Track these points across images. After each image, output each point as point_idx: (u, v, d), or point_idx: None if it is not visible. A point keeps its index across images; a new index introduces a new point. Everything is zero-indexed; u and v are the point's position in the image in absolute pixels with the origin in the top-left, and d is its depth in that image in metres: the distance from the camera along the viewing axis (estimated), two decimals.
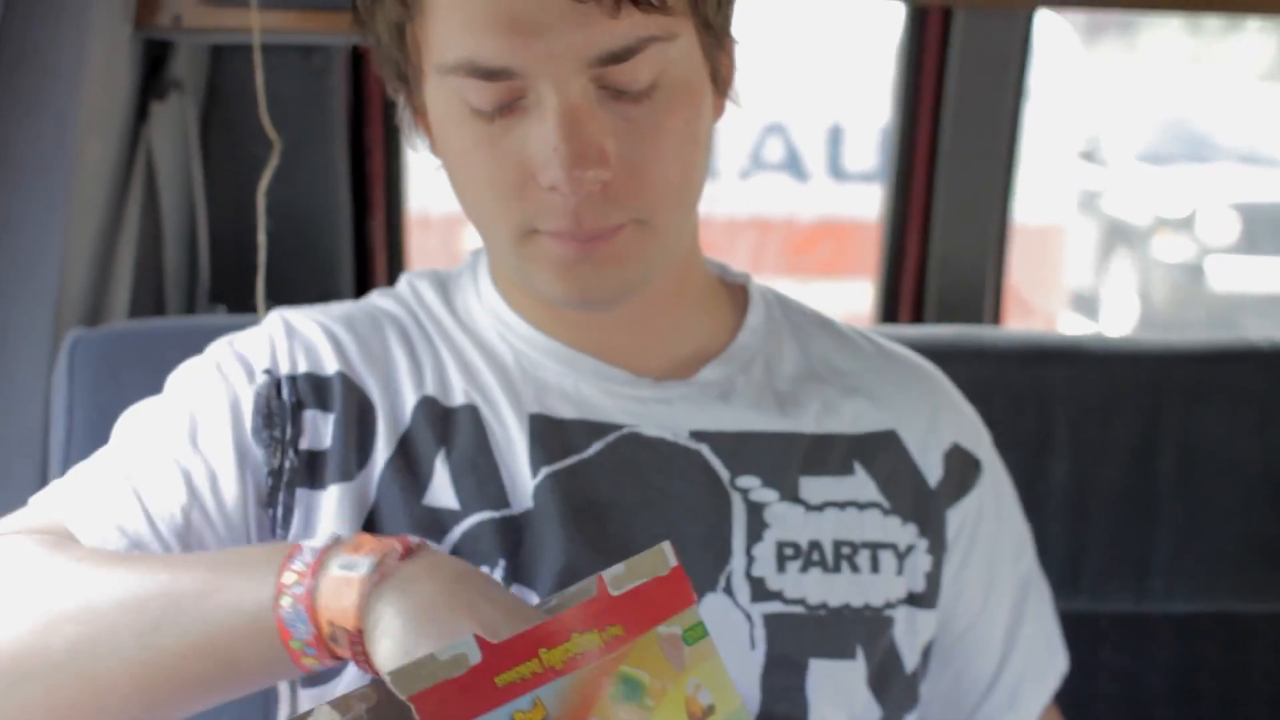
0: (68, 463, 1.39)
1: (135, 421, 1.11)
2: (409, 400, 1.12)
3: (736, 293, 1.22)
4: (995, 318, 2.19)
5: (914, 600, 1.16)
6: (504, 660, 0.76)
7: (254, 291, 1.60)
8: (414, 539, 0.90)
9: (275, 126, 1.54)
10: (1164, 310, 7.15)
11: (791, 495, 1.13)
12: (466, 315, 1.17)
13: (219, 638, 0.91)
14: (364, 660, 0.87)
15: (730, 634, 1.08)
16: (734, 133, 5.38)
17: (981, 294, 2.16)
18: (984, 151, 2.13)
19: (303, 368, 1.12)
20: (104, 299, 1.59)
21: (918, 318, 2.18)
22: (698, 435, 1.12)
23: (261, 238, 1.51)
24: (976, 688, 1.23)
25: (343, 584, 0.87)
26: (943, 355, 1.29)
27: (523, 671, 0.76)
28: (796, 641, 1.09)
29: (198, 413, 1.09)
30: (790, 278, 5.26)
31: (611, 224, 1.01)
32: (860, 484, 1.15)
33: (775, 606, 1.10)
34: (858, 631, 1.12)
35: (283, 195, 1.62)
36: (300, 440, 1.10)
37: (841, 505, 1.14)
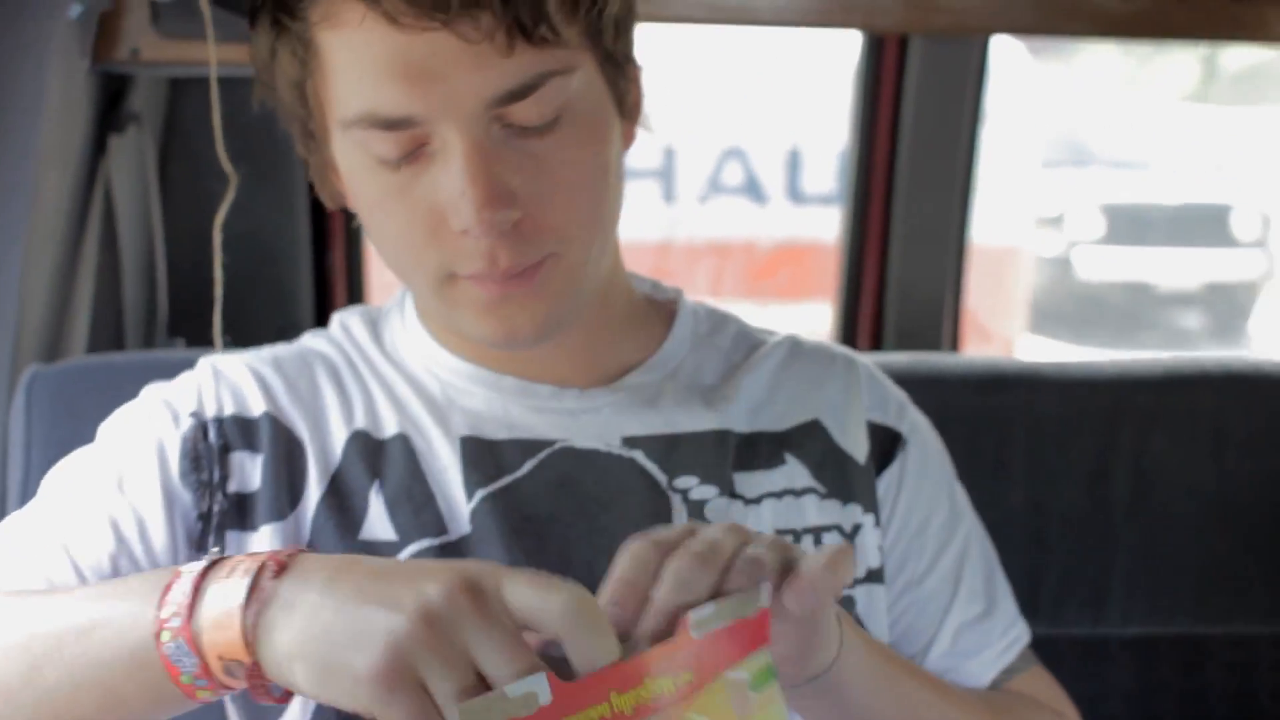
0: (25, 498, 1.39)
1: (64, 473, 1.12)
2: (339, 437, 1.12)
3: (666, 309, 1.24)
4: (953, 342, 2.20)
5: (872, 577, 1.17)
6: (574, 702, 0.74)
7: (196, 322, 1.60)
8: (285, 551, 0.85)
9: (234, 159, 1.54)
10: (1038, 294, 7.39)
11: (729, 491, 1.14)
12: (394, 350, 1.18)
13: (104, 675, 0.87)
14: (263, 691, 0.83)
15: None
16: (693, 157, 5.40)
17: (940, 318, 2.18)
18: (942, 176, 2.14)
19: (229, 410, 1.13)
20: (62, 333, 1.59)
21: (876, 342, 2.19)
22: (630, 441, 1.13)
23: (218, 271, 1.51)
24: (914, 650, 1.23)
25: (223, 618, 0.82)
26: (900, 381, 1.30)
27: (591, 715, 0.75)
28: None
29: (124, 460, 1.09)
30: (749, 301, 5.28)
31: (528, 261, 1.02)
32: (793, 472, 1.17)
33: None
34: None
35: (242, 227, 1.62)
36: (228, 483, 1.10)
37: (778, 495, 1.15)
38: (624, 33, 1.07)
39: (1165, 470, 1.63)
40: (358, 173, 1.03)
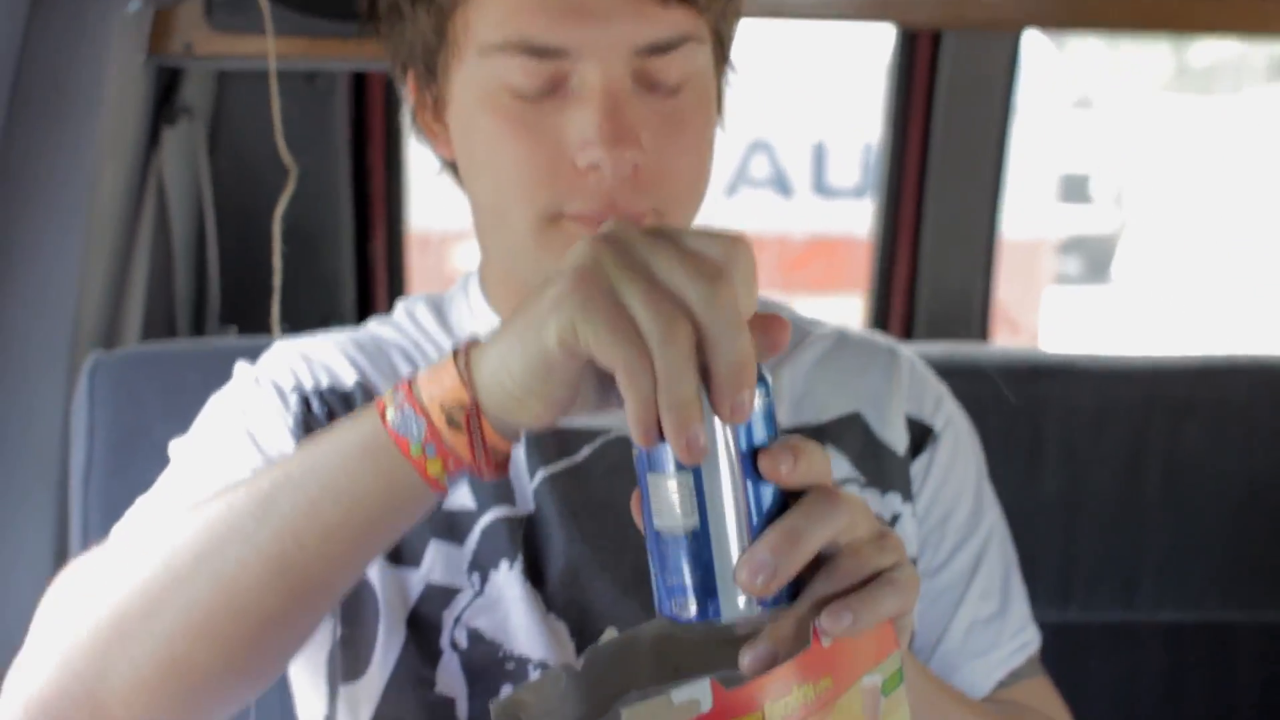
0: (88, 484, 1.42)
1: (191, 446, 1.12)
2: None
3: None
4: (983, 333, 2.23)
5: (913, 563, 1.19)
6: (730, 710, 0.75)
7: (262, 312, 1.63)
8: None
9: (287, 149, 1.58)
10: None
11: None
12: (462, 333, 1.21)
13: (338, 481, 0.87)
14: (485, 442, 0.84)
15: None
16: (720, 150, 5.42)
17: (970, 310, 2.20)
18: (972, 170, 2.16)
19: (325, 383, 1.16)
20: (118, 322, 1.63)
21: (908, 333, 2.22)
22: None
23: (277, 261, 1.55)
24: (924, 643, 1.25)
25: (436, 372, 0.84)
26: (938, 371, 1.32)
27: None
28: None
29: (252, 424, 1.11)
30: (782, 294, 5.31)
31: (638, 210, 1.04)
32: (834, 463, 1.19)
33: None
34: None
35: (286, 217, 1.65)
36: None
37: None
38: (735, 27, 1.13)
39: (1196, 461, 1.65)
40: (485, 102, 1.04)
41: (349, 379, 1.16)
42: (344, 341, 1.20)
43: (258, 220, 1.64)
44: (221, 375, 1.21)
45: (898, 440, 1.23)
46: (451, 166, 1.16)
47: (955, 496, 1.25)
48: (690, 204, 1.09)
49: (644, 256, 0.77)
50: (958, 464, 1.27)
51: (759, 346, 0.77)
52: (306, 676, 1.16)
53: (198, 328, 1.84)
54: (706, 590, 0.78)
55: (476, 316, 1.21)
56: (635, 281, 0.76)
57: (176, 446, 1.14)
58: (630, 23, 1.02)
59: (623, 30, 1.02)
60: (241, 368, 1.19)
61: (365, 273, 2.09)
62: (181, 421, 1.18)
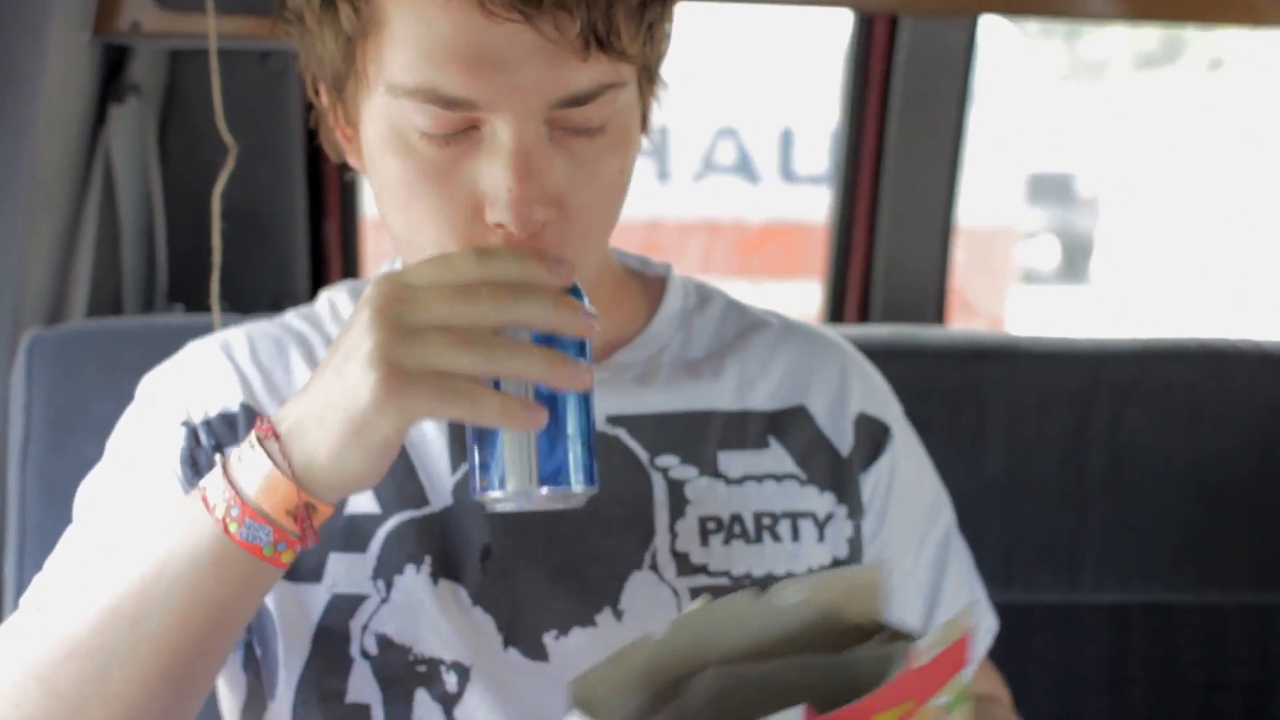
0: (25, 461, 1.42)
1: (91, 498, 1.15)
2: None
3: (654, 284, 1.26)
4: (939, 318, 2.23)
5: (838, 565, 1.20)
6: None
7: (198, 291, 1.62)
8: (260, 422, 0.96)
9: (232, 129, 1.57)
10: None
11: (711, 471, 1.17)
12: None
13: (200, 594, 0.95)
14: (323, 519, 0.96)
15: (659, 610, 1.13)
16: (687, 137, 5.42)
17: (926, 295, 2.21)
18: (930, 155, 2.17)
19: (213, 410, 1.15)
20: (62, 299, 1.62)
21: (864, 318, 2.22)
22: (615, 420, 1.16)
23: (216, 239, 1.54)
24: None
25: (266, 481, 0.93)
26: (883, 354, 1.33)
27: None
28: None
29: (146, 469, 1.13)
30: (739, 279, 5.31)
31: (547, 247, 1.02)
32: (776, 457, 1.19)
33: (701, 580, 1.14)
34: None
35: (239, 197, 1.64)
36: None
37: (760, 478, 1.18)
38: (665, 51, 1.09)
39: (1140, 443, 1.66)
40: (394, 140, 1.01)
41: (234, 401, 1.15)
42: (242, 346, 1.19)
43: (208, 199, 1.63)
44: (161, 352, 1.21)
45: (843, 440, 1.23)
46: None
47: (918, 489, 1.27)
48: (603, 245, 1.11)
49: (422, 317, 0.90)
50: (914, 456, 1.28)
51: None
52: (229, 711, 1.18)
53: (146, 306, 1.83)
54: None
55: None
56: (434, 346, 0.89)
57: (82, 495, 1.15)
58: (545, 75, 0.97)
59: (537, 84, 0.97)
60: (144, 387, 1.19)
61: (319, 254, 2.08)
62: (120, 398, 1.18)
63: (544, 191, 0.99)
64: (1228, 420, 1.67)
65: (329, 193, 2.08)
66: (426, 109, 0.98)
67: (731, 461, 1.18)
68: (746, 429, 1.19)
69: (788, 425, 1.21)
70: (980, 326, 5.60)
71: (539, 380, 0.91)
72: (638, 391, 1.17)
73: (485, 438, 0.94)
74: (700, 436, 1.17)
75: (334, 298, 1.24)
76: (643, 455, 1.16)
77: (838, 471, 1.21)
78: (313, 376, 0.95)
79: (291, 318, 1.23)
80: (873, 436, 1.24)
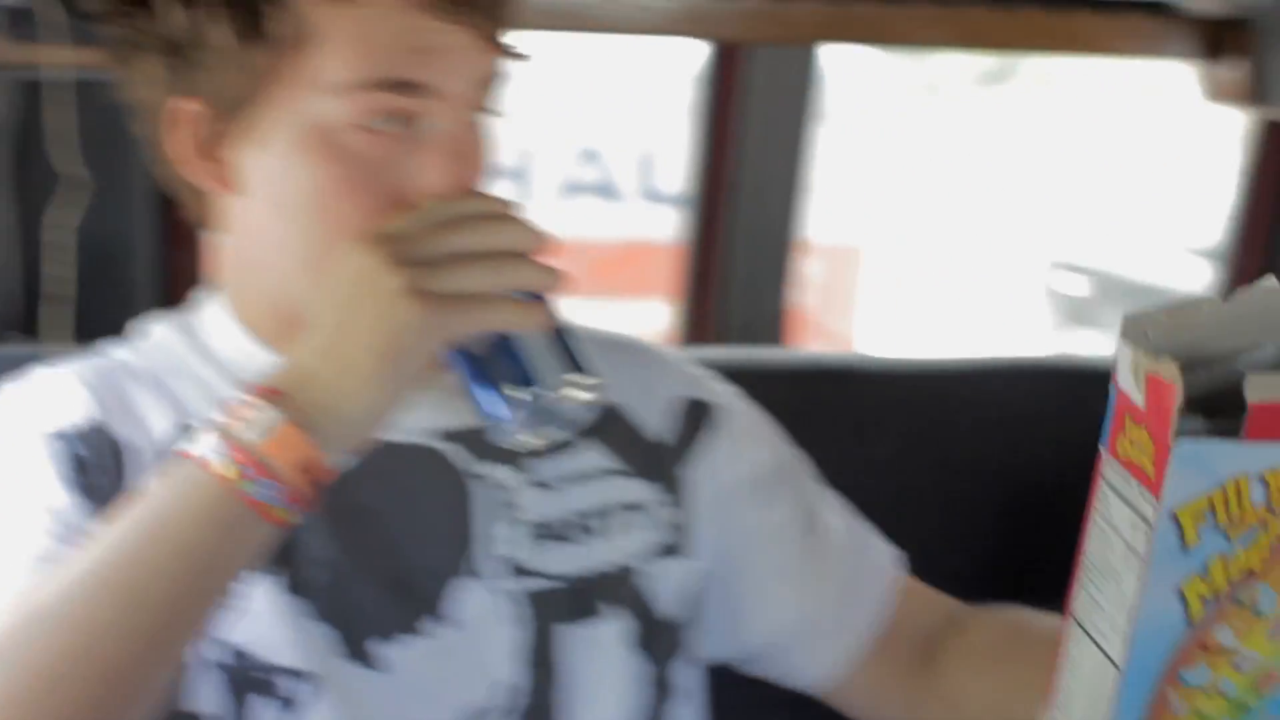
0: None
1: None
2: (165, 437, 1.16)
3: None
4: (785, 339, 2.28)
5: (667, 551, 1.25)
6: None
7: (46, 320, 1.61)
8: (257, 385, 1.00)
9: (85, 159, 1.57)
10: None
11: (533, 477, 1.22)
12: (210, 349, 1.21)
13: (211, 561, 0.97)
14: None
15: (486, 615, 1.17)
16: (549, 158, 5.46)
17: (777, 316, 2.26)
18: (778, 178, 2.22)
19: (80, 422, 1.15)
20: None
21: (715, 339, 2.27)
22: (440, 434, 1.20)
23: (66, 271, 1.54)
24: (802, 613, 1.32)
25: (277, 434, 0.97)
26: (719, 375, 1.36)
27: None
28: (553, 614, 1.19)
29: (29, 489, 1.12)
30: (591, 300, 5.36)
31: None
32: (595, 456, 1.25)
33: (529, 583, 1.19)
34: (611, 593, 1.22)
35: (88, 227, 1.64)
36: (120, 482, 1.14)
37: (580, 478, 1.24)
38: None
39: (964, 460, 1.72)
40: (316, 144, 1.07)
41: (91, 417, 1.16)
42: (83, 371, 1.20)
43: (57, 229, 1.62)
44: None
45: (661, 430, 1.28)
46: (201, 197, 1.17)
47: (757, 467, 1.33)
48: None
49: (436, 249, 1.00)
50: (755, 432, 1.35)
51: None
52: None
53: None
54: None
55: (226, 331, 1.21)
56: (457, 271, 0.99)
57: None
58: (478, 61, 1.09)
59: (473, 68, 1.09)
60: (3, 414, 1.18)
61: (170, 284, 2.07)
62: None
63: (472, 172, 1.09)
64: (1053, 434, 1.73)
65: (180, 223, 2.06)
66: (377, 97, 1.05)
67: (551, 467, 1.23)
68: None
69: (604, 425, 1.25)
70: (833, 345, 5.69)
71: (542, 287, 1.03)
72: (457, 408, 1.18)
73: (501, 363, 1.03)
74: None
75: (149, 328, 1.25)
76: (465, 466, 1.20)
77: (659, 461, 1.27)
78: (307, 334, 1.01)
79: (114, 350, 1.24)
80: (696, 419, 1.30)
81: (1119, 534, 0.82)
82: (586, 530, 1.23)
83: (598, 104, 5.45)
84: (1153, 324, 0.80)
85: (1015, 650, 1.27)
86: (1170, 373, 0.77)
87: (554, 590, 1.20)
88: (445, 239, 1.01)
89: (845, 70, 6.26)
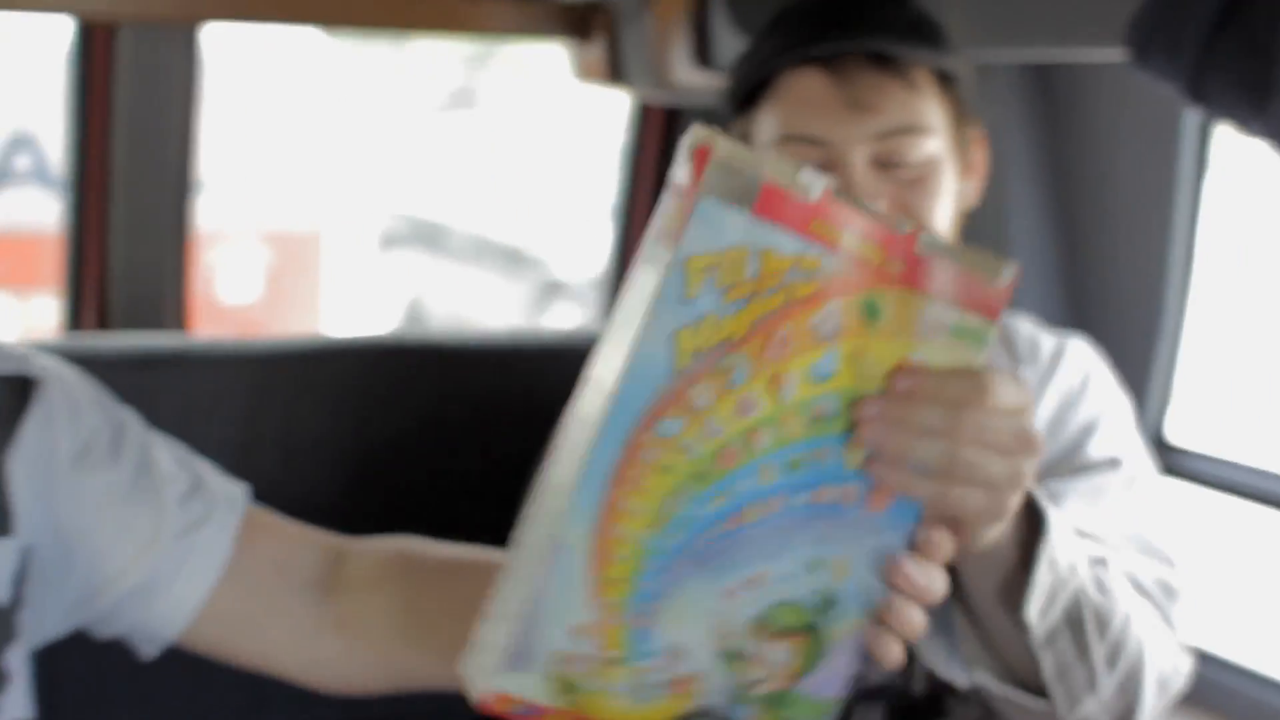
0: None
1: None
2: None
3: None
4: (180, 324, 2.24)
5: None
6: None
7: None
8: None
9: None
10: None
11: None
12: None
13: None
14: None
15: None
16: None
17: (170, 303, 2.21)
18: (160, 163, 2.17)
19: None
20: None
21: (103, 326, 2.20)
22: None
23: None
24: (145, 565, 1.28)
25: None
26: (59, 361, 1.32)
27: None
28: None
29: None
30: None
31: None
32: None
33: None
34: None
35: None
36: None
37: None
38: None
39: (312, 439, 1.73)
40: None
41: None
42: None
43: None
44: None
45: None
46: None
47: (86, 420, 1.29)
48: None
49: None
50: (79, 396, 1.31)
51: None
52: None
53: None
54: None
55: None
56: None
57: None
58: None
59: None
60: None
61: None
62: None
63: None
64: (397, 411, 1.76)
65: None
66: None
67: None
68: None
69: None
70: (297, 329, 5.64)
71: None
72: None
73: None
74: None
75: None
76: None
77: None
78: None
79: None
80: (11, 395, 1.25)
81: (639, 290, 0.89)
82: None
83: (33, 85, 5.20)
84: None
85: (405, 574, 1.30)
86: (709, 137, 0.87)
87: None
88: None
89: (317, 60, 6.23)
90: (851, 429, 0.96)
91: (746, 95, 1.54)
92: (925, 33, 1.52)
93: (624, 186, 2.51)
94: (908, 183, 1.48)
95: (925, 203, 1.49)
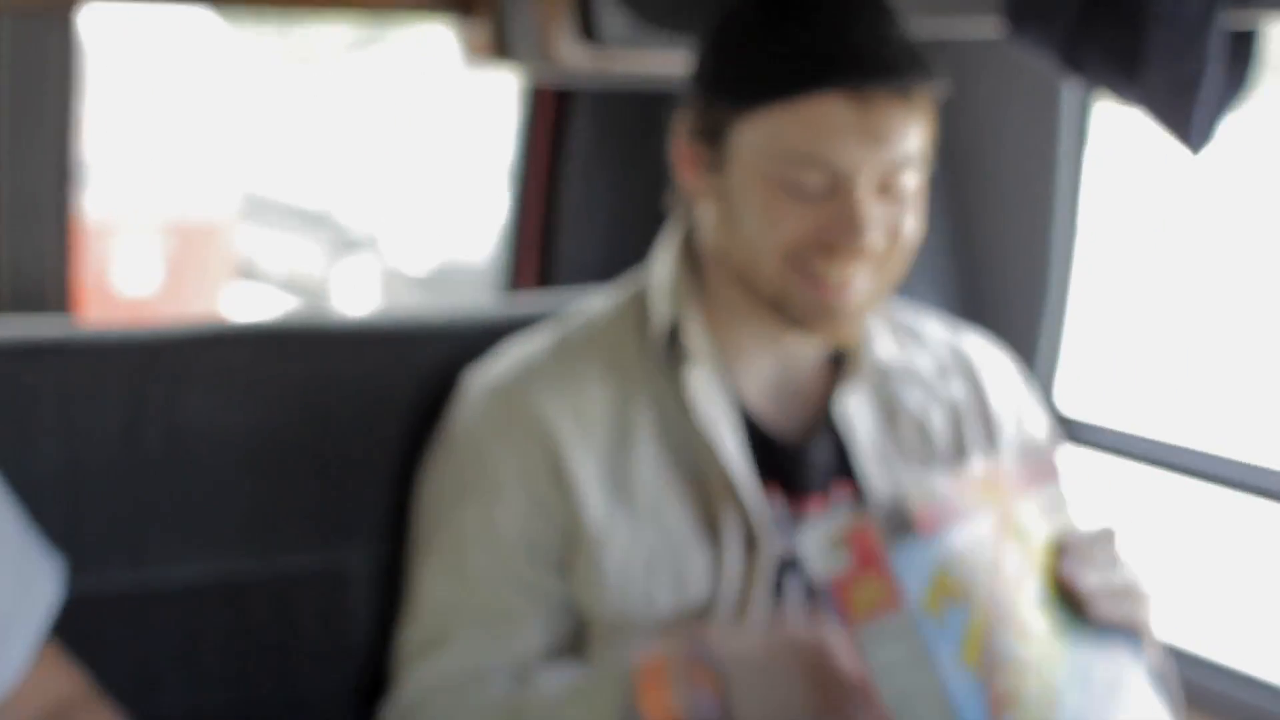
0: None
1: None
2: None
3: None
4: (66, 309, 2.20)
5: None
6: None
7: None
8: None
9: None
10: None
11: None
12: None
13: None
14: None
15: None
16: None
17: (47, 289, 2.18)
18: (40, 150, 2.14)
19: None
20: None
21: None
22: None
23: None
24: None
25: None
26: None
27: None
28: None
29: None
30: None
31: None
32: None
33: None
34: None
35: None
36: None
37: None
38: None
39: (199, 423, 1.70)
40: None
41: None
42: None
43: None
44: None
45: None
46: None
47: None
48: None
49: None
50: None
51: None
52: None
53: None
54: None
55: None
56: None
57: None
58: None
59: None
60: None
61: None
62: None
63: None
64: (279, 396, 1.74)
65: None
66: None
67: None
68: None
69: None
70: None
71: None
72: None
73: None
74: None
75: None
76: None
77: None
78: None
79: None
80: None
81: (892, 678, 1.06)
82: None
83: None
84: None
85: None
86: (860, 521, 1.03)
87: None
88: None
89: (210, 44, 6.15)
90: None
91: (746, 95, 1.51)
92: (927, 60, 1.51)
93: (518, 164, 2.51)
94: (899, 207, 1.50)
95: (912, 224, 1.52)
